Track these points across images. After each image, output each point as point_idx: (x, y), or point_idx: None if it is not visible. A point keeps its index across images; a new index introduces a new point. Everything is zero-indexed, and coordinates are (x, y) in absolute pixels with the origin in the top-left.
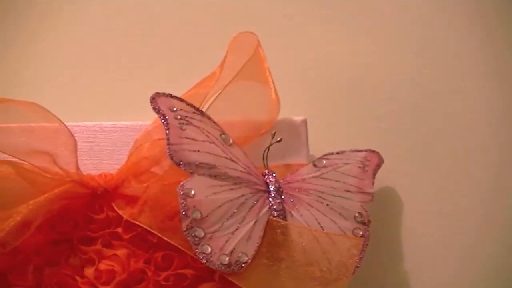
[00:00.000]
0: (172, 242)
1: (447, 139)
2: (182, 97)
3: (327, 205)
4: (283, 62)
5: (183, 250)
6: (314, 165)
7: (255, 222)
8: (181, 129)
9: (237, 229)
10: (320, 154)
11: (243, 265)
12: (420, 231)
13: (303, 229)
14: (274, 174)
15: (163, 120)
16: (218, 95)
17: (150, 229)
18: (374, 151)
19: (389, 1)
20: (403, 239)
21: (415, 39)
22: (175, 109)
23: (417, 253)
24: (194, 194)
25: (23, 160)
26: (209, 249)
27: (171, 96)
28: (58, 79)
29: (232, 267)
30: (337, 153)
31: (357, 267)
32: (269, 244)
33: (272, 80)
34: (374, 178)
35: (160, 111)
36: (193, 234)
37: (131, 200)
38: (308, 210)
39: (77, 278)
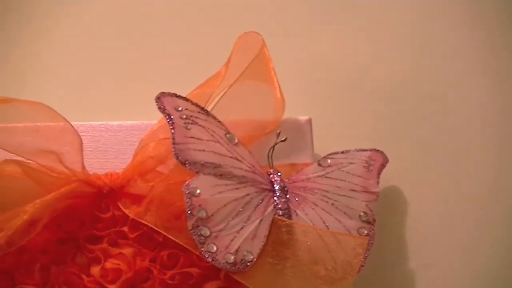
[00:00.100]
0: (177, 241)
1: (447, 139)
2: (187, 97)
3: (332, 204)
4: (288, 62)
5: (189, 248)
6: (319, 165)
7: (260, 221)
8: (187, 128)
9: (242, 228)
10: (325, 154)
11: (248, 263)
12: (424, 230)
13: (308, 228)
14: (279, 173)
15: (168, 120)
16: (223, 95)
17: (155, 228)
18: (378, 150)
19: (392, 2)
20: (408, 238)
21: (419, 39)
22: (180, 108)
23: (421, 252)
24: (199, 193)
25: (29, 160)
26: (215, 248)
27: (176, 95)
28: (64, 79)
29: (237, 266)
30: (342, 152)
31: (362, 266)
32: (274, 243)
33: (277, 80)
34: (379, 177)
35: (166, 110)
36: (198, 233)
37: (137, 199)
38: (313, 209)
39: (83, 276)
